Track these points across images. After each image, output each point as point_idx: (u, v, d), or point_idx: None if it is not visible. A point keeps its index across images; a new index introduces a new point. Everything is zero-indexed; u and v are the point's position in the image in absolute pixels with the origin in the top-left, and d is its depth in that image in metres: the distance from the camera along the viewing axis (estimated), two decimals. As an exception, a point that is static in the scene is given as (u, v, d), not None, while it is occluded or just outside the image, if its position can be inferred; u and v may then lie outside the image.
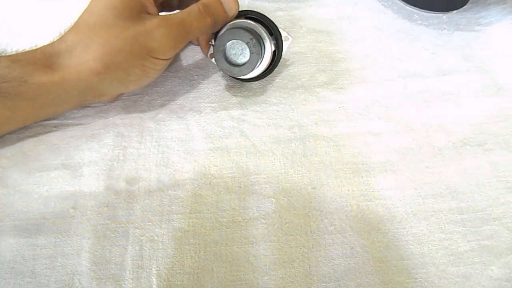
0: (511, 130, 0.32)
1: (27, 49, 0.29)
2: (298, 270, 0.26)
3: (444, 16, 0.41)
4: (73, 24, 0.29)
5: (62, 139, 0.32)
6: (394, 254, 0.26)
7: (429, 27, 0.40)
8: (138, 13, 0.29)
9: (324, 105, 0.34)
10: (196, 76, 0.36)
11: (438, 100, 0.34)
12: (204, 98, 0.34)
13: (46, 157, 0.31)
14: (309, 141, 0.32)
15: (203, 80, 0.36)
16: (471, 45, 0.38)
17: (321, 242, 0.27)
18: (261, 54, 0.31)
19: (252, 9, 0.33)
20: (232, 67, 0.31)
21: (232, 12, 0.31)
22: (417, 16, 0.41)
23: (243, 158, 0.31)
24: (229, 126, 0.32)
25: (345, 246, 0.26)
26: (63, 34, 0.29)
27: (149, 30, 0.28)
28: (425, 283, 0.25)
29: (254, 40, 0.30)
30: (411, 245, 0.26)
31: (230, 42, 0.30)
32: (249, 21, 0.31)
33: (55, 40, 0.29)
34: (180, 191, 0.29)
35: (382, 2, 0.43)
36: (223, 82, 0.35)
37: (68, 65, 0.28)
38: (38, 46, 0.29)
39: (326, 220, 0.28)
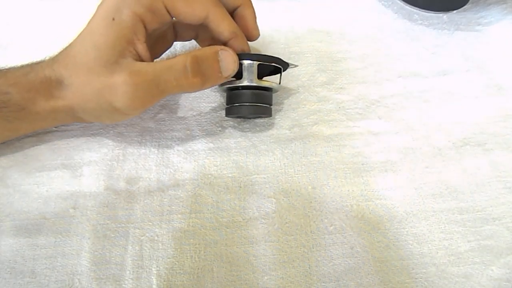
0: (511, 130, 0.32)
1: (21, 68, 0.28)
2: (298, 270, 0.26)
3: (444, 16, 0.41)
4: (67, 48, 0.28)
5: (62, 139, 0.32)
6: (394, 254, 0.26)
7: (429, 27, 0.40)
8: (118, 57, 0.26)
9: (324, 105, 0.34)
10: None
11: (438, 100, 0.34)
12: (204, 98, 0.34)
13: (46, 157, 0.31)
14: (309, 141, 0.32)
15: (203, 80, 0.36)
16: (471, 45, 0.38)
17: (321, 242, 0.27)
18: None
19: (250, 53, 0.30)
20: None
21: (228, 73, 0.28)
22: (417, 16, 0.41)
23: (243, 158, 0.31)
24: (229, 126, 0.32)
25: (345, 246, 0.26)
26: (57, 59, 0.28)
27: (114, 86, 0.25)
28: (425, 283, 0.25)
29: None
30: (411, 245, 0.26)
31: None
32: (266, 82, 0.29)
33: (47, 61, 0.28)
34: (180, 191, 0.29)
35: (382, 2, 0.43)
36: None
37: (60, 96, 0.27)
38: (32, 65, 0.28)
39: (326, 220, 0.28)
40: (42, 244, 0.27)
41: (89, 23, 0.27)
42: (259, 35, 0.31)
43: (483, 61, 0.37)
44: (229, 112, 0.31)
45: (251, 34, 0.31)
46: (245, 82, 0.29)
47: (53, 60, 0.28)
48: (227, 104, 0.31)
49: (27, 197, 0.29)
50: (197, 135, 0.32)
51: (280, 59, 0.30)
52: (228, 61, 0.27)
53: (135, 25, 0.26)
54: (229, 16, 0.29)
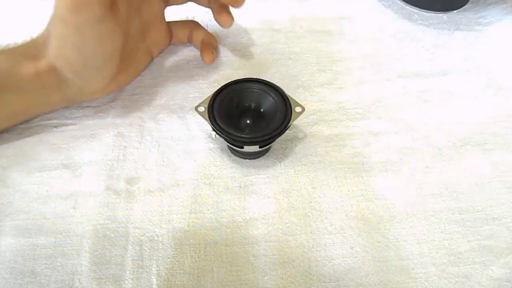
0: (511, 130, 0.32)
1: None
2: (298, 270, 0.26)
3: (444, 16, 0.41)
4: None
5: (62, 139, 0.32)
6: (394, 254, 0.26)
7: (429, 27, 0.40)
8: None
9: (324, 105, 0.34)
10: (196, 76, 0.36)
11: (438, 100, 0.34)
12: (204, 98, 0.34)
13: (46, 157, 0.31)
14: (309, 141, 0.32)
15: (203, 80, 0.36)
16: (471, 45, 0.38)
17: (321, 242, 0.27)
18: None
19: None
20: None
21: None
22: (417, 16, 0.41)
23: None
24: (229, 126, 0.32)
25: (345, 246, 0.26)
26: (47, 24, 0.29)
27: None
28: (425, 283, 0.25)
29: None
30: (411, 245, 0.26)
31: None
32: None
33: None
34: (180, 191, 0.29)
35: (382, 2, 0.43)
36: (223, 82, 0.35)
37: (43, 55, 0.28)
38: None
39: (326, 220, 0.28)
40: (42, 244, 0.27)
41: None
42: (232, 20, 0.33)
43: (483, 61, 0.37)
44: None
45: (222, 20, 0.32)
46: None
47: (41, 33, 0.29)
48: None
49: (27, 197, 0.29)
50: (197, 135, 0.32)
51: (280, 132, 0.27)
52: None
53: None
54: None
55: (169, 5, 0.35)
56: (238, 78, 0.30)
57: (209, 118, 0.28)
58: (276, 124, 0.27)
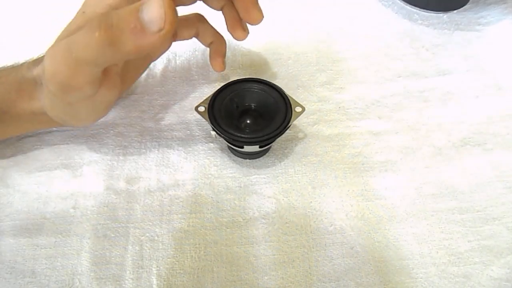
0: (511, 130, 0.32)
1: (4, 69, 0.28)
2: (298, 270, 0.26)
3: (444, 16, 0.41)
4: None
5: (62, 139, 0.32)
6: (394, 254, 0.26)
7: (429, 27, 0.40)
8: None
9: (324, 105, 0.34)
10: (196, 76, 0.36)
11: (438, 100, 0.34)
12: (204, 98, 0.34)
13: (46, 157, 0.31)
14: (309, 141, 0.32)
15: (203, 80, 0.36)
16: (471, 45, 0.38)
17: (321, 242, 0.27)
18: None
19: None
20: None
21: (155, 26, 0.20)
22: (417, 16, 0.41)
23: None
24: (229, 126, 0.32)
25: (345, 246, 0.26)
26: (36, 61, 0.27)
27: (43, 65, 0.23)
28: (425, 283, 0.25)
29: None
30: (411, 245, 0.26)
31: None
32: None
33: (28, 63, 0.27)
34: (180, 191, 0.29)
35: (382, 2, 0.43)
36: (223, 82, 0.35)
37: (37, 97, 0.26)
38: (15, 66, 0.28)
39: (326, 220, 0.28)
40: (42, 244, 0.27)
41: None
42: (262, 17, 0.29)
43: (483, 61, 0.37)
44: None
45: (251, 17, 0.29)
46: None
47: (33, 62, 0.27)
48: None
49: (27, 197, 0.29)
50: (197, 135, 0.32)
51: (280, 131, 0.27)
52: (153, 12, 0.20)
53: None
54: None
55: (176, 6, 0.33)
56: (238, 78, 0.30)
57: (209, 118, 0.28)
58: (276, 124, 0.27)
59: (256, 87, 0.29)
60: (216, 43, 0.33)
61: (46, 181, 0.29)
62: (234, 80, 0.29)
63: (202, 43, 0.34)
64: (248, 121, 0.30)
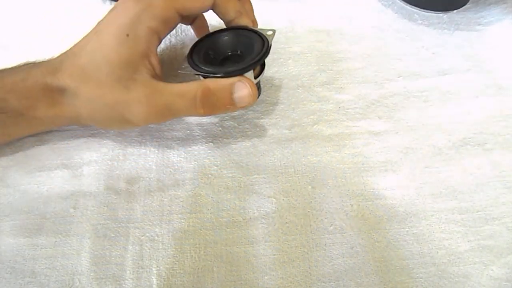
0: (511, 130, 0.32)
1: (17, 73, 0.28)
2: (298, 270, 0.26)
3: (444, 16, 0.41)
4: (71, 57, 0.28)
5: (62, 139, 0.32)
6: (394, 254, 0.26)
7: (429, 27, 0.40)
8: (132, 73, 0.26)
9: (324, 105, 0.34)
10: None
11: (438, 100, 0.34)
12: (204, 98, 0.34)
13: (46, 157, 0.31)
14: (309, 141, 0.32)
15: (203, 80, 0.36)
16: (472, 45, 0.38)
17: (321, 242, 0.27)
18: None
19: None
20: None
21: (242, 105, 0.27)
22: (417, 16, 0.41)
23: (243, 158, 0.31)
24: (229, 126, 0.32)
25: (345, 246, 0.26)
26: (60, 68, 0.27)
27: (129, 102, 0.26)
28: (425, 283, 0.25)
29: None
30: (411, 245, 0.26)
31: None
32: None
33: (47, 68, 0.28)
34: (180, 191, 0.29)
35: (382, 2, 0.43)
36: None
37: (66, 103, 0.27)
38: (28, 70, 0.28)
39: (326, 220, 0.28)
40: (42, 244, 0.27)
41: (99, 37, 0.27)
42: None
43: (483, 61, 0.37)
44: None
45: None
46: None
47: (55, 68, 0.27)
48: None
49: (27, 197, 0.29)
50: (197, 135, 0.32)
51: (261, 56, 0.28)
52: (243, 94, 0.27)
53: (150, 39, 0.27)
54: None
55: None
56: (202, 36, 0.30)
57: (194, 68, 0.28)
58: (257, 51, 0.28)
59: (224, 35, 0.30)
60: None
61: (46, 181, 0.29)
62: (201, 37, 0.30)
63: (195, 32, 0.35)
64: (231, 65, 0.30)
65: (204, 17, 0.34)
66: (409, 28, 0.40)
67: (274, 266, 0.26)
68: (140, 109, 0.26)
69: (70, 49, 0.28)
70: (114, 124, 0.29)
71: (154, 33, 0.27)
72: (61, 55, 0.28)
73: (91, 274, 0.26)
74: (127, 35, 0.26)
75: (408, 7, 0.42)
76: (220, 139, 0.32)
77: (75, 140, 0.32)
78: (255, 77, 0.29)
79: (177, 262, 0.26)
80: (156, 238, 0.27)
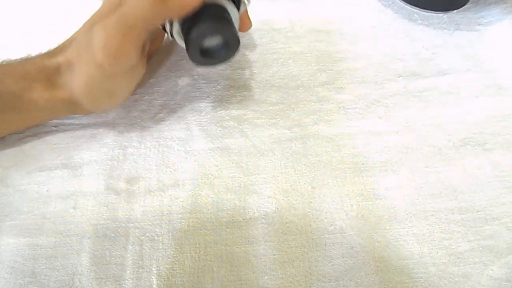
0: (511, 130, 0.32)
1: (17, 60, 0.28)
2: (298, 270, 0.26)
3: (444, 16, 0.41)
4: (65, 41, 0.29)
5: (62, 139, 0.32)
6: (394, 254, 0.26)
7: (429, 27, 0.40)
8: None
9: (324, 105, 0.34)
10: (196, 76, 0.36)
11: (438, 100, 0.34)
12: (204, 98, 0.34)
13: (46, 157, 0.31)
14: (309, 141, 0.32)
15: (203, 80, 0.36)
16: (472, 45, 0.38)
17: (321, 242, 0.27)
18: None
19: None
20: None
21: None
22: (417, 16, 0.41)
23: (243, 158, 0.31)
24: (229, 126, 0.32)
25: (345, 246, 0.26)
26: (54, 51, 0.29)
27: (92, 38, 0.26)
28: (425, 283, 0.25)
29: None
30: (411, 245, 0.26)
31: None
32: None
33: (44, 53, 0.29)
34: (180, 191, 0.29)
35: (382, 2, 0.43)
36: (223, 82, 0.35)
37: (57, 84, 0.28)
38: (28, 57, 0.29)
39: (326, 220, 0.28)
40: (42, 244, 0.27)
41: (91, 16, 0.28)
42: (251, 25, 0.33)
43: (483, 61, 0.37)
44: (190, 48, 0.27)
45: (244, 26, 0.32)
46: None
47: (54, 52, 0.28)
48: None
49: (27, 197, 0.29)
50: (197, 135, 0.32)
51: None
52: None
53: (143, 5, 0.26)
54: None
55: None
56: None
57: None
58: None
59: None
60: None
61: (46, 181, 0.29)
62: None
63: None
64: None
65: None
66: (409, 28, 0.40)
67: (274, 266, 0.26)
68: (98, 34, 0.25)
69: (71, 35, 0.29)
70: (104, 96, 0.29)
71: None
72: (63, 42, 0.29)
73: (91, 274, 0.26)
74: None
75: (408, 7, 0.42)
76: (220, 139, 0.32)
77: (75, 140, 0.32)
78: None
79: (177, 262, 0.26)
80: (156, 238, 0.27)
